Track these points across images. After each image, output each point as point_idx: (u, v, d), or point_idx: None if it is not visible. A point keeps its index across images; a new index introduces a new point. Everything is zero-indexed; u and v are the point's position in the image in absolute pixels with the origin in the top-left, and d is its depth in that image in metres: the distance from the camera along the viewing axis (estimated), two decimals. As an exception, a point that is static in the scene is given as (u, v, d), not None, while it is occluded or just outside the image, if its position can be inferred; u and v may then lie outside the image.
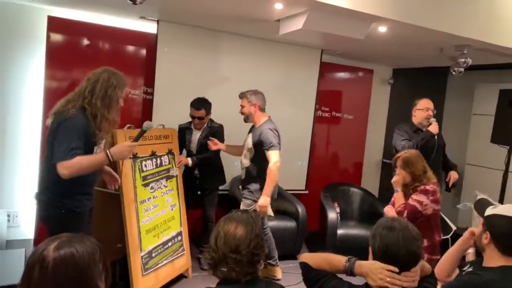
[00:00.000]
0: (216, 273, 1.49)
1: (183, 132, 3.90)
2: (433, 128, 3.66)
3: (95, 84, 2.29)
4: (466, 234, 2.00)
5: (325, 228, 4.21)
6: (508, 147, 3.95)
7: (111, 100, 2.32)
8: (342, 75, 5.50)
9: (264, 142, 3.39)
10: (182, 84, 4.23)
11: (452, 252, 2.04)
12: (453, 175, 3.79)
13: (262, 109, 3.57)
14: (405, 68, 5.66)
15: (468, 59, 3.87)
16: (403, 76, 5.73)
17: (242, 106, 3.57)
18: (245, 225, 1.50)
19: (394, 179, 2.90)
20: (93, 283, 1.15)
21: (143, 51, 4.27)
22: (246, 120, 3.59)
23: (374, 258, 1.51)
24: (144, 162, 3.14)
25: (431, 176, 2.83)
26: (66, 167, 2.12)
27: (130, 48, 4.24)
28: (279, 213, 4.44)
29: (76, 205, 2.32)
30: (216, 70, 4.44)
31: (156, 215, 3.21)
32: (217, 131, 3.89)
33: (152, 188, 3.20)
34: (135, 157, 3.05)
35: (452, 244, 4.51)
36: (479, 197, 2.15)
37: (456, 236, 4.34)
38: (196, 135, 3.85)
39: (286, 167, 4.93)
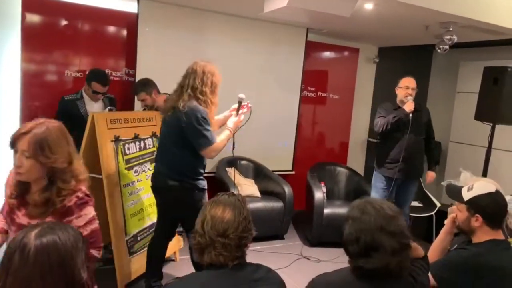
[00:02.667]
0: (202, 258, 1.46)
1: (73, 104, 3.51)
2: (407, 106, 3.61)
3: (202, 75, 2.58)
4: (448, 222, 2.01)
5: (312, 208, 4.23)
6: (491, 124, 3.98)
7: (215, 87, 2.62)
8: (328, 54, 5.45)
9: None
10: (164, 65, 4.13)
11: (438, 241, 2.05)
12: (430, 176, 3.87)
13: (159, 92, 3.70)
14: (391, 46, 5.64)
15: (453, 36, 3.86)
16: (388, 54, 5.71)
17: (144, 100, 3.63)
18: (232, 208, 1.46)
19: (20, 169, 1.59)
20: (76, 272, 1.13)
21: (124, 31, 4.15)
22: (151, 108, 3.66)
23: (346, 244, 1.42)
24: (127, 145, 3.08)
25: (80, 169, 1.72)
26: (215, 150, 2.58)
27: (110, 28, 4.11)
28: (266, 193, 4.45)
29: (204, 184, 2.70)
30: (200, 50, 4.34)
31: (141, 198, 3.17)
32: (114, 103, 3.72)
33: (136, 171, 3.15)
34: (117, 140, 2.98)
35: (436, 220, 4.62)
36: (447, 182, 2.14)
37: (440, 212, 4.44)
38: (94, 105, 3.56)
39: (273, 148, 4.93)
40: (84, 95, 3.55)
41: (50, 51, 3.83)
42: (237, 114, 2.80)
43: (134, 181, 3.12)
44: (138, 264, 3.09)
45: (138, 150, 3.20)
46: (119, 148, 3.00)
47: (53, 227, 1.15)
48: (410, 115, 3.56)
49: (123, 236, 2.96)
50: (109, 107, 3.28)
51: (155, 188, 2.77)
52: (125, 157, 3.05)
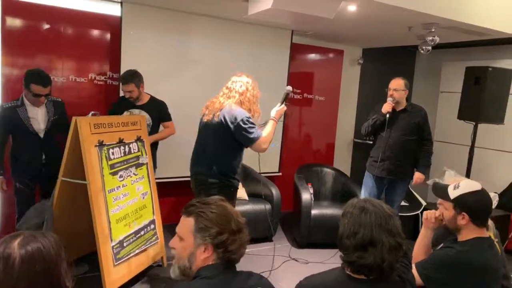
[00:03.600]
0: (228, 255, 1.41)
1: (13, 111, 3.20)
2: (384, 107, 3.69)
3: (247, 84, 2.85)
4: (424, 222, 2.05)
5: (299, 209, 4.24)
6: (474, 123, 4.05)
7: (256, 98, 2.89)
8: (313, 56, 5.48)
9: (167, 114, 3.84)
10: (149, 68, 4.09)
11: (421, 238, 2.08)
12: (415, 177, 3.79)
13: None
14: (375, 48, 5.70)
15: (435, 37, 3.91)
16: (372, 56, 5.77)
17: (131, 91, 3.59)
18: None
19: None
20: (62, 280, 1.11)
21: (107, 35, 4.10)
22: (135, 101, 3.67)
23: (342, 237, 1.43)
24: (111, 150, 3.03)
25: None
26: (264, 142, 2.77)
27: (93, 31, 4.06)
28: (254, 196, 4.44)
29: (237, 184, 2.92)
30: (184, 53, 4.32)
31: (126, 204, 3.12)
32: (61, 107, 3.45)
33: (121, 176, 3.10)
34: (101, 144, 2.94)
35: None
36: (433, 181, 2.17)
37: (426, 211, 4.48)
38: (38, 112, 3.27)
39: (259, 150, 4.92)
40: (25, 100, 3.23)
41: (31, 56, 3.77)
42: (281, 104, 2.96)
43: (119, 186, 3.07)
44: (124, 270, 3.04)
45: (122, 154, 3.15)
46: (103, 153, 2.95)
47: (35, 235, 1.13)
48: (387, 115, 3.63)
49: (108, 243, 2.91)
50: (92, 112, 3.21)
51: (194, 189, 2.94)
52: (110, 162, 3.00)
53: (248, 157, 4.76)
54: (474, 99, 3.95)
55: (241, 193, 4.38)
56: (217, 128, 2.77)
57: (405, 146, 3.75)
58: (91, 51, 4.04)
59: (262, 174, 4.69)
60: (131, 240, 3.14)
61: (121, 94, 3.90)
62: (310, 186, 4.53)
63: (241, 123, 2.69)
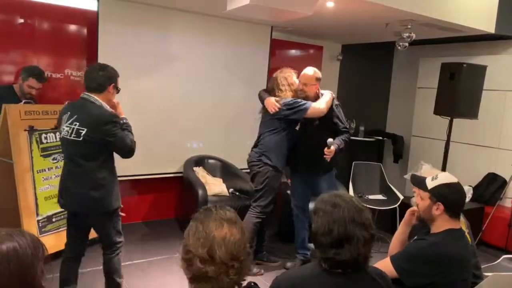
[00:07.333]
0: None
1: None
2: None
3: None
4: (407, 214, 2.10)
5: (280, 204, 4.26)
6: (449, 118, 4.14)
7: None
8: (293, 52, 5.50)
9: None
10: (126, 64, 4.03)
11: (398, 233, 2.13)
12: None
13: None
14: (354, 44, 5.75)
15: (412, 33, 3.98)
16: (351, 52, 5.82)
17: (39, 89, 3.59)
18: (236, 225, 1.29)
19: None
20: (36, 281, 1.08)
21: (84, 30, 4.03)
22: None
23: (317, 234, 1.42)
24: (44, 135, 3.35)
25: None
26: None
27: (69, 26, 3.99)
28: (234, 191, 4.45)
29: None
30: (163, 48, 4.28)
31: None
32: None
33: (54, 159, 3.44)
34: (31, 129, 3.23)
35: (400, 212, 4.75)
36: (411, 174, 2.23)
37: (403, 205, 4.57)
38: None
39: (240, 146, 4.92)
40: None
41: (5, 51, 3.68)
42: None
43: (51, 168, 3.39)
44: (51, 242, 3.22)
45: (58, 140, 3.36)
46: (34, 137, 3.27)
47: (11, 233, 1.09)
48: None
49: (34, 216, 3.22)
50: (25, 100, 3.36)
51: None
52: (41, 146, 3.33)
53: (228, 152, 4.78)
54: (449, 95, 4.03)
55: (221, 188, 4.38)
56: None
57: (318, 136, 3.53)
58: (67, 47, 3.97)
59: (242, 170, 4.70)
60: (62, 216, 3.38)
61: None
62: (289, 181, 4.55)
63: None
